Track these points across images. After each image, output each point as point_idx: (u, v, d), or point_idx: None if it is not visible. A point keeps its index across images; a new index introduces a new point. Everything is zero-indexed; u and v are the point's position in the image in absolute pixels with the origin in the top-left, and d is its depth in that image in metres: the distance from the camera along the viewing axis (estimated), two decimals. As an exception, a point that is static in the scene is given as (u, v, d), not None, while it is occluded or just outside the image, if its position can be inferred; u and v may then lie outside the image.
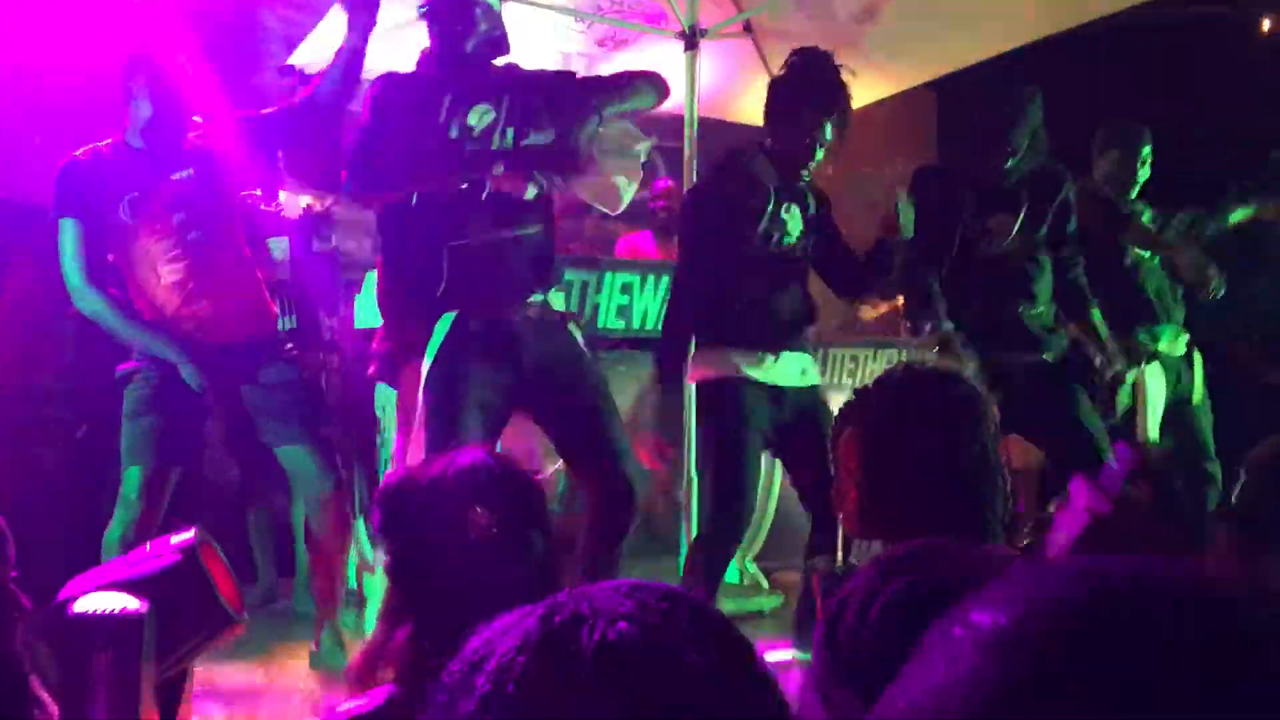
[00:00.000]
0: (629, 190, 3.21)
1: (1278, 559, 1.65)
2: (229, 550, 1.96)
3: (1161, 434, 4.35)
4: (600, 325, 4.52)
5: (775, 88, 3.40)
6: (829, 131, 3.30)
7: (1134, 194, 4.43)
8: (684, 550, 4.45)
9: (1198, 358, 4.51)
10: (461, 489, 1.60)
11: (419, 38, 3.21)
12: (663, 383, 3.40)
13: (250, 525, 4.68)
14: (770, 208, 3.31)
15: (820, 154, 3.32)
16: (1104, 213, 4.20)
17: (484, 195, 2.99)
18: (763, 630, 4.04)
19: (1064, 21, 4.31)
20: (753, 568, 4.91)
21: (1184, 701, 0.50)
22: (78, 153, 3.37)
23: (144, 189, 3.34)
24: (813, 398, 3.40)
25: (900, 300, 4.00)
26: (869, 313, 4.65)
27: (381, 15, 3.29)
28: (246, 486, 4.74)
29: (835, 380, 4.93)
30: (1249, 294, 4.73)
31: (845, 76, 3.30)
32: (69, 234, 3.30)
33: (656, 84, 3.29)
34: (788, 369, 3.37)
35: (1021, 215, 3.56)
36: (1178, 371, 4.44)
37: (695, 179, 4.18)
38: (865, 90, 3.91)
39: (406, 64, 3.23)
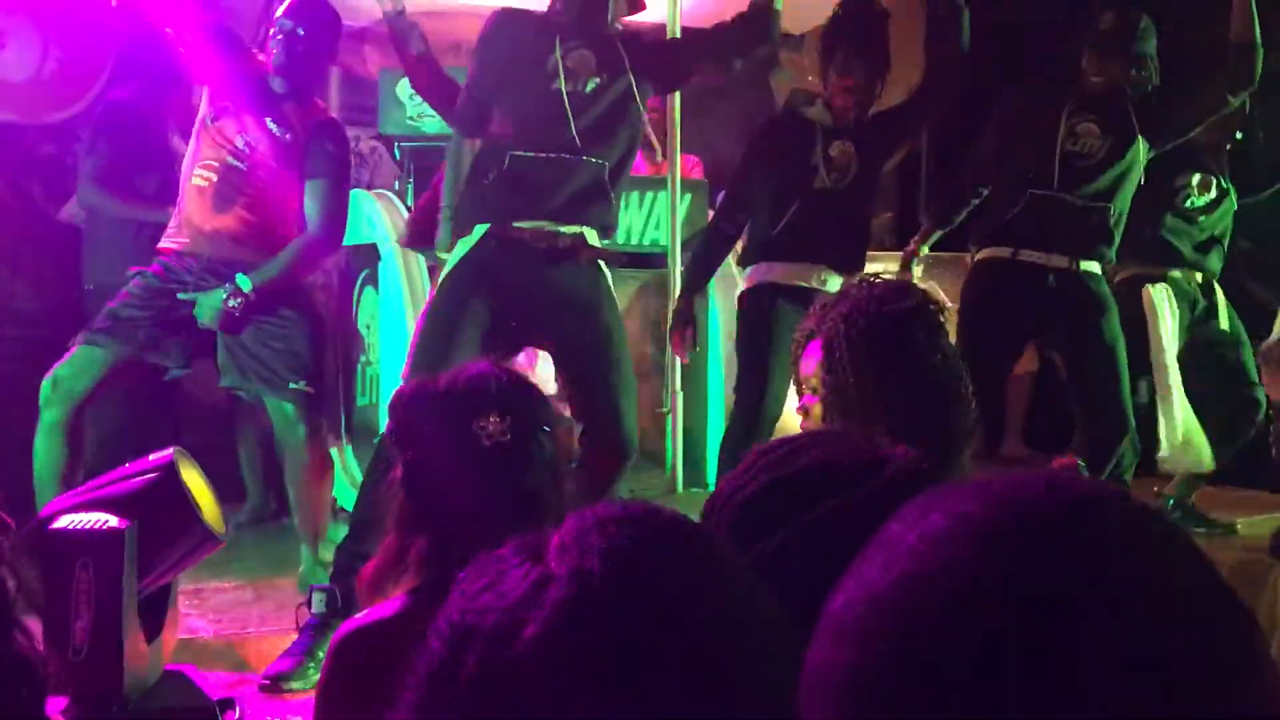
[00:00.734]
0: None
1: None
2: (218, 468, 1.97)
3: (1196, 364, 4.32)
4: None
5: (822, 35, 3.63)
6: (870, 76, 3.52)
7: None
8: (669, 462, 4.50)
9: (1218, 289, 4.43)
10: (472, 397, 1.61)
11: None
12: (687, 291, 3.64)
13: (240, 443, 4.70)
14: (819, 147, 3.49)
15: (864, 96, 3.55)
16: None
17: (570, 130, 3.10)
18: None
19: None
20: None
21: None
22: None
23: (243, 106, 3.45)
24: None
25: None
26: None
27: None
28: (235, 404, 4.75)
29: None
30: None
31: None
32: None
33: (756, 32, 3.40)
34: (828, 281, 3.51)
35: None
36: (1193, 300, 4.36)
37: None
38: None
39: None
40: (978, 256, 3.90)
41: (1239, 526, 4.38)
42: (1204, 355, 4.35)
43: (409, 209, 4.56)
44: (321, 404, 3.66)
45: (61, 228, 4.82)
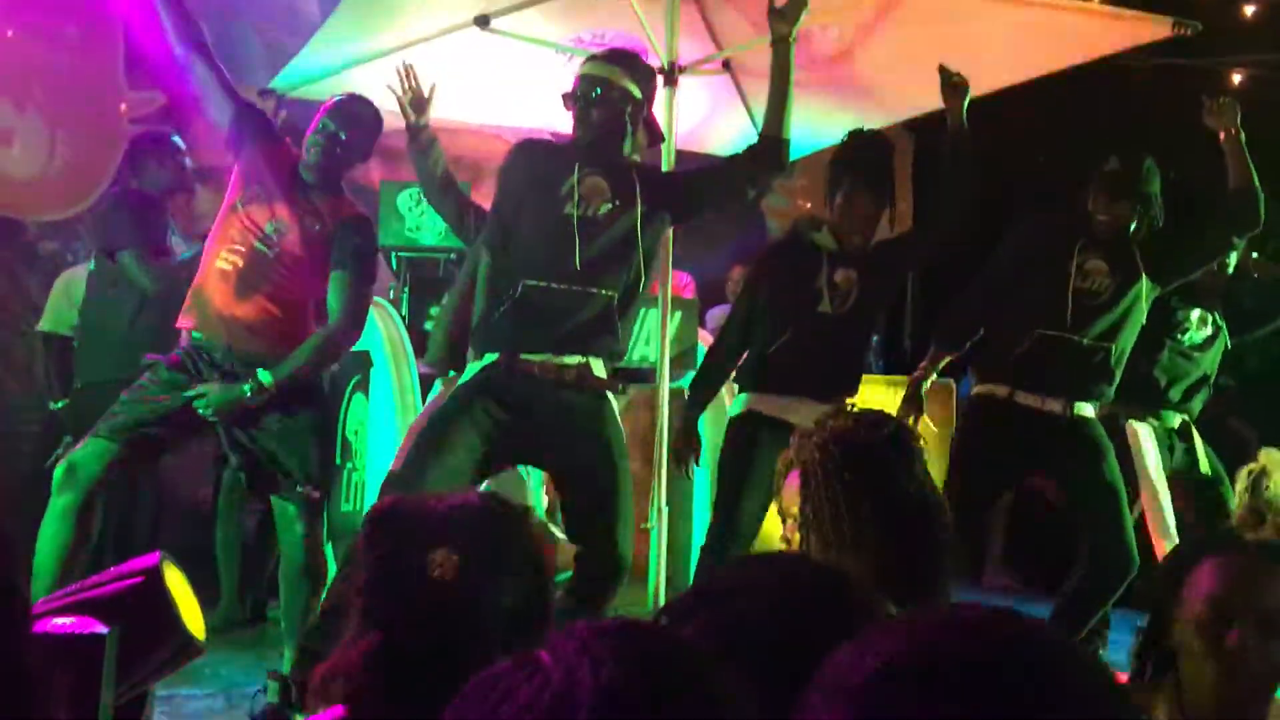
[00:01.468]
0: None
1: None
2: (192, 571, 1.97)
3: (1185, 511, 4.35)
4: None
5: (830, 166, 3.79)
6: (876, 205, 3.67)
7: None
8: (652, 580, 4.48)
9: (1195, 432, 4.49)
10: (435, 527, 1.63)
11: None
12: (688, 410, 3.75)
13: (218, 546, 4.67)
14: (824, 272, 3.60)
15: (868, 225, 3.70)
16: None
17: (576, 259, 3.19)
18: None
19: (1037, 68, 4.39)
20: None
21: None
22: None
23: (274, 193, 3.50)
24: None
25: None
26: None
27: None
28: (215, 506, 4.74)
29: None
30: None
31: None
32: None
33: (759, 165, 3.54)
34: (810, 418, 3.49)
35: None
36: (1170, 445, 4.41)
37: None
38: (841, 130, 3.97)
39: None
40: (975, 391, 3.96)
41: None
42: (1186, 497, 4.39)
43: (404, 318, 4.61)
44: (322, 508, 3.66)
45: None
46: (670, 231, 4.50)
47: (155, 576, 1.86)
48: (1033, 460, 3.82)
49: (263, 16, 6.28)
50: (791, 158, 5.54)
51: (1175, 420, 4.43)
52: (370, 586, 1.64)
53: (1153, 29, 3.95)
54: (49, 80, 5.66)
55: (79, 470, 3.30)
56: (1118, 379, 3.86)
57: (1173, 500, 4.22)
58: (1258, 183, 3.75)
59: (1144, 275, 3.82)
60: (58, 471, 3.33)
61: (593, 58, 3.48)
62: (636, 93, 3.36)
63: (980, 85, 3.77)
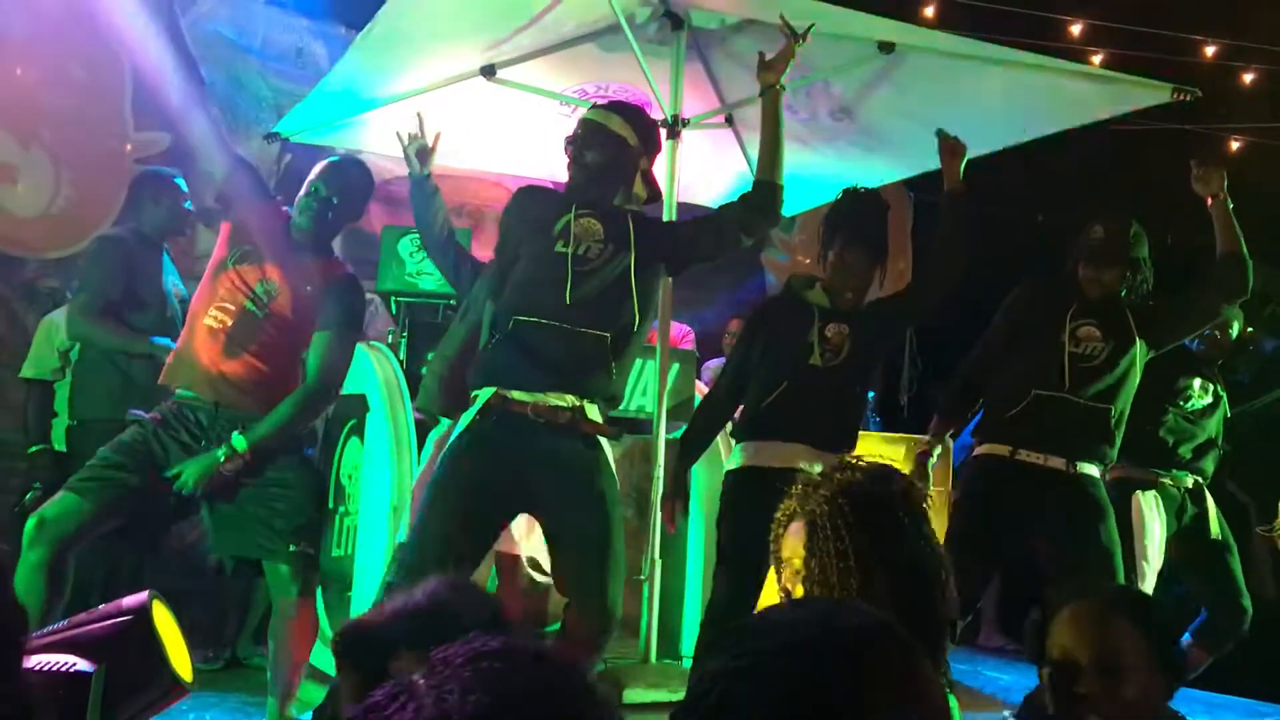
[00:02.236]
0: None
1: None
2: (184, 611, 1.96)
3: (1186, 564, 4.35)
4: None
5: (823, 223, 3.78)
6: (869, 263, 3.68)
7: None
8: (643, 632, 4.44)
9: (1208, 495, 4.51)
10: (396, 631, 1.65)
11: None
12: (679, 463, 3.74)
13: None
14: (815, 327, 3.61)
15: (861, 282, 3.70)
16: None
17: (566, 295, 3.20)
18: None
19: (1036, 130, 4.43)
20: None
21: None
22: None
23: (266, 254, 3.49)
24: None
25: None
26: None
27: None
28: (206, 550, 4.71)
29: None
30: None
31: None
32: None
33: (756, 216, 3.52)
34: (816, 462, 3.51)
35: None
36: (1180, 508, 4.43)
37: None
38: (841, 187, 3.99)
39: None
40: (977, 450, 3.95)
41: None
42: (1194, 560, 4.39)
43: (401, 362, 4.61)
44: (316, 563, 3.62)
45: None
46: (669, 282, 4.53)
47: (144, 616, 1.84)
48: (1034, 518, 3.79)
49: (269, 61, 6.34)
50: (792, 213, 5.65)
51: (1189, 480, 4.44)
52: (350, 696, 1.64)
53: (1152, 94, 3.99)
54: (55, 119, 5.70)
55: (49, 527, 3.25)
56: (1118, 441, 3.85)
57: (1177, 564, 4.23)
58: (1245, 250, 3.76)
59: (1137, 339, 3.83)
60: (29, 524, 3.27)
61: (594, 106, 3.52)
62: (633, 140, 3.39)
63: (980, 146, 3.80)
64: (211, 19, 6.25)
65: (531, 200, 3.43)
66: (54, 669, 1.69)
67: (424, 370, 4.43)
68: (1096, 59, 7.25)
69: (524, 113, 4.70)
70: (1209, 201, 3.78)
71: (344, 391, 4.34)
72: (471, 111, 4.55)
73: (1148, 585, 4.08)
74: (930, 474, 3.99)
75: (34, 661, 1.71)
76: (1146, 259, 3.89)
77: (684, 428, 4.05)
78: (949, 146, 3.77)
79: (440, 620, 1.65)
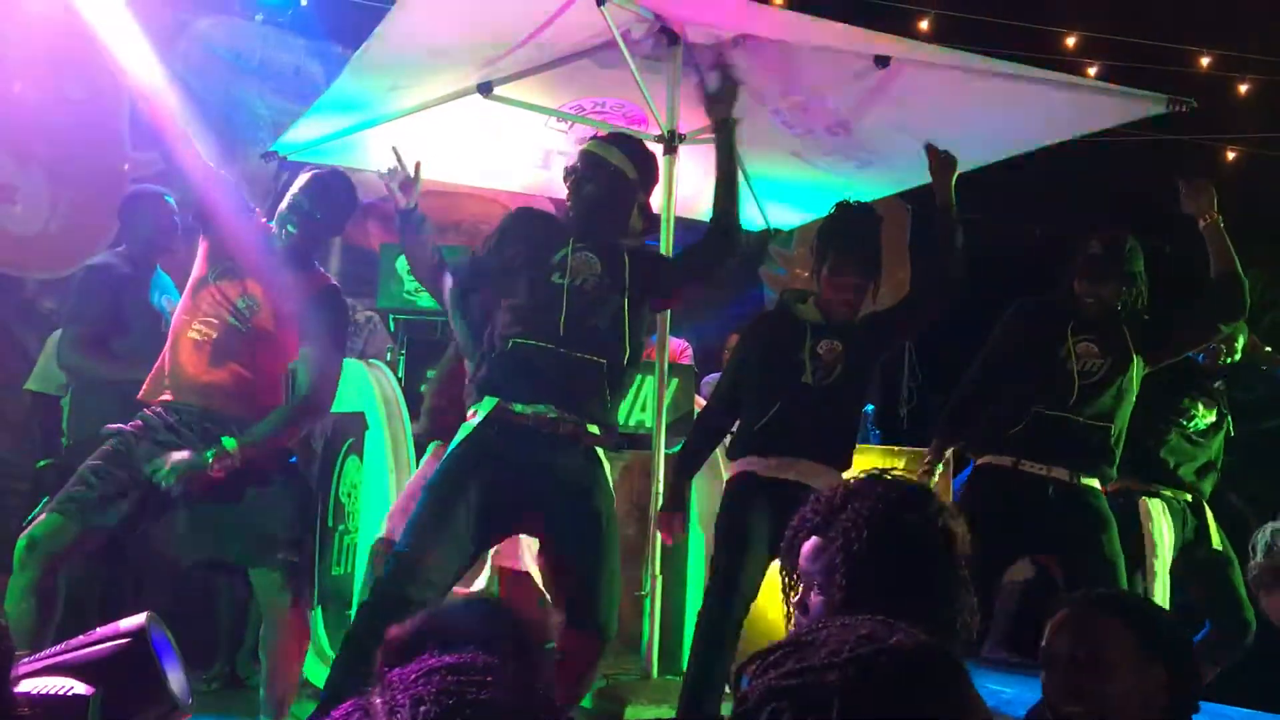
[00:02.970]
0: None
1: None
2: (182, 631, 1.95)
3: (1188, 577, 4.34)
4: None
5: (816, 237, 3.77)
6: (861, 277, 3.66)
7: None
8: (644, 647, 4.43)
9: (1208, 509, 4.50)
10: (457, 635, 1.65)
11: None
12: (676, 478, 3.77)
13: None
14: (807, 344, 3.61)
15: (854, 296, 3.68)
16: None
17: (560, 324, 3.21)
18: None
19: (1031, 142, 4.44)
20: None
21: None
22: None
23: (247, 269, 3.47)
24: None
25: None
26: None
27: None
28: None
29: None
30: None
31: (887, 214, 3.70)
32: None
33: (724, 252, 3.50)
34: (809, 474, 3.53)
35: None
36: (1182, 519, 4.41)
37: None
38: (837, 200, 3.99)
39: None
40: (978, 462, 3.93)
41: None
42: (1196, 573, 4.38)
43: (400, 380, 4.60)
44: (305, 571, 3.61)
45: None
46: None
47: (141, 638, 1.83)
48: (1038, 532, 3.76)
49: (267, 80, 6.35)
50: (789, 228, 5.64)
51: (1188, 497, 4.44)
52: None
53: (1147, 105, 3.99)
54: (52, 139, 5.71)
55: (38, 547, 3.22)
56: (1117, 458, 3.84)
57: (1181, 576, 4.21)
58: (1239, 268, 3.75)
59: (1135, 354, 3.82)
60: (19, 545, 3.24)
61: (594, 138, 3.51)
62: (631, 173, 3.39)
63: (977, 159, 3.80)
64: (210, 39, 6.26)
65: (532, 224, 3.43)
66: (51, 693, 1.68)
67: (423, 389, 4.44)
68: (1092, 71, 7.27)
69: (520, 129, 4.71)
70: (1201, 224, 3.78)
71: (343, 409, 4.35)
72: (468, 128, 4.55)
73: (1161, 587, 4.06)
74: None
75: (31, 685, 1.71)
76: (1141, 273, 3.89)
77: (682, 443, 4.04)
78: (939, 161, 3.76)
79: (496, 628, 1.66)
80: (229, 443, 3.30)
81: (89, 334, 4.20)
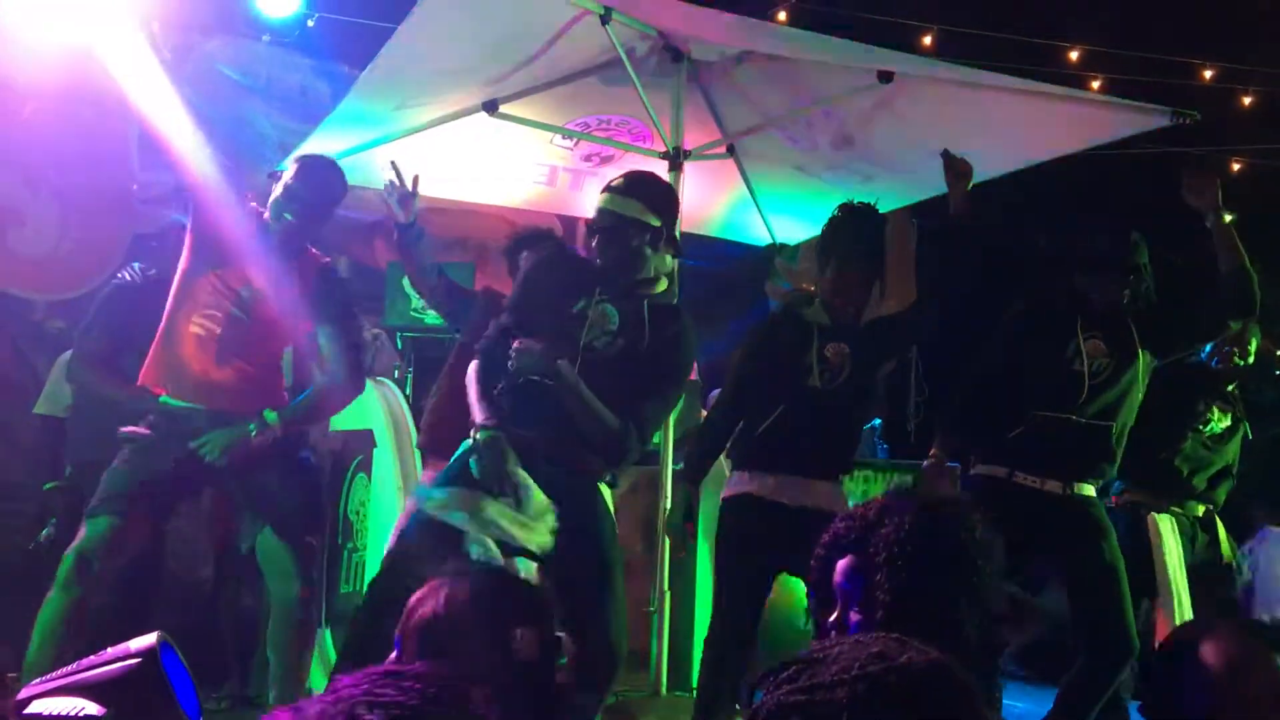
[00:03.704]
0: None
1: None
2: (195, 650, 1.95)
3: (1195, 590, 4.31)
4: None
5: (821, 238, 3.72)
6: (867, 276, 3.62)
7: None
8: (654, 663, 4.43)
9: (1219, 521, 4.47)
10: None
11: None
12: (686, 482, 3.71)
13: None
14: (814, 346, 3.56)
15: (859, 297, 3.64)
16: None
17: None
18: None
19: (1037, 155, 4.45)
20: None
21: None
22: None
23: (246, 257, 3.47)
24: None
25: None
26: None
27: None
28: (217, 583, 4.70)
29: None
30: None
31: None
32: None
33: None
34: (809, 493, 3.50)
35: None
36: (1192, 535, 4.39)
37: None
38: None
39: None
40: (974, 472, 3.91)
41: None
42: (1205, 585, 4.35)
43: (407, 397, 4.62)
44: (314, 561, 3.63)
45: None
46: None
47: (153, 659, 1.84)
48: (1033, 543, 3.75)
49: (274, 100, 6.39)
50: (795, 242, 5.66)
51: (1199, 509, 4.41)
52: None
53: (1151, 118, 4.00)
54: (62, 161, 5.74)
55: (88, 561, 3.25)
56: (1118, 457, 3.81)
57: (1192, 592, 4.18)
58: (1248, 264, 3.72)
59: (1141, 351, 3.79)
60: (65, 561, 3.26)
61: (610, 189, 3.29)
62: (654, 221, 3.24)
63: (979, 173, 3.79)
64: (217, 60, 6.30)
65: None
66: (63, 714, 1.69)
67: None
68: (1095, 84, 7.29)
69: (525, 147, 4.73)
70: (1208, 221, 3.74)
71: (351, 427, 4.36)
72: (474, 146, 4.58)
73: (1182, 605, 4.04)
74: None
75: (43, 706, 1.71)
76: (1147, 266, 3.84)
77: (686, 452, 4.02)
78: (955, 168, 3.74)
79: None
80: (271, 415, 3.43)
81: (102, 351, 4.21)
